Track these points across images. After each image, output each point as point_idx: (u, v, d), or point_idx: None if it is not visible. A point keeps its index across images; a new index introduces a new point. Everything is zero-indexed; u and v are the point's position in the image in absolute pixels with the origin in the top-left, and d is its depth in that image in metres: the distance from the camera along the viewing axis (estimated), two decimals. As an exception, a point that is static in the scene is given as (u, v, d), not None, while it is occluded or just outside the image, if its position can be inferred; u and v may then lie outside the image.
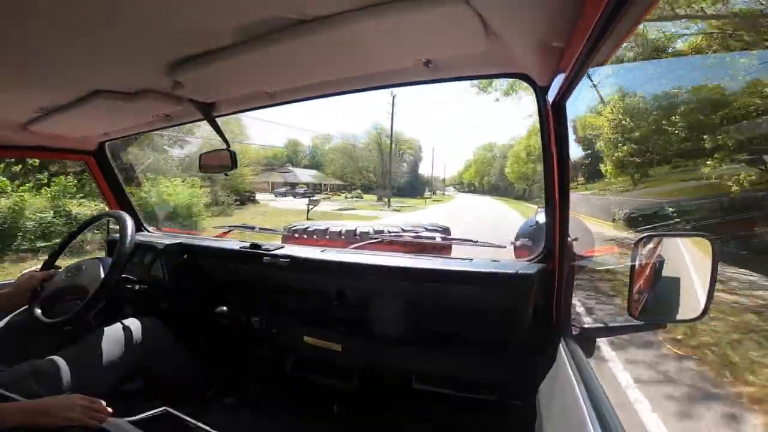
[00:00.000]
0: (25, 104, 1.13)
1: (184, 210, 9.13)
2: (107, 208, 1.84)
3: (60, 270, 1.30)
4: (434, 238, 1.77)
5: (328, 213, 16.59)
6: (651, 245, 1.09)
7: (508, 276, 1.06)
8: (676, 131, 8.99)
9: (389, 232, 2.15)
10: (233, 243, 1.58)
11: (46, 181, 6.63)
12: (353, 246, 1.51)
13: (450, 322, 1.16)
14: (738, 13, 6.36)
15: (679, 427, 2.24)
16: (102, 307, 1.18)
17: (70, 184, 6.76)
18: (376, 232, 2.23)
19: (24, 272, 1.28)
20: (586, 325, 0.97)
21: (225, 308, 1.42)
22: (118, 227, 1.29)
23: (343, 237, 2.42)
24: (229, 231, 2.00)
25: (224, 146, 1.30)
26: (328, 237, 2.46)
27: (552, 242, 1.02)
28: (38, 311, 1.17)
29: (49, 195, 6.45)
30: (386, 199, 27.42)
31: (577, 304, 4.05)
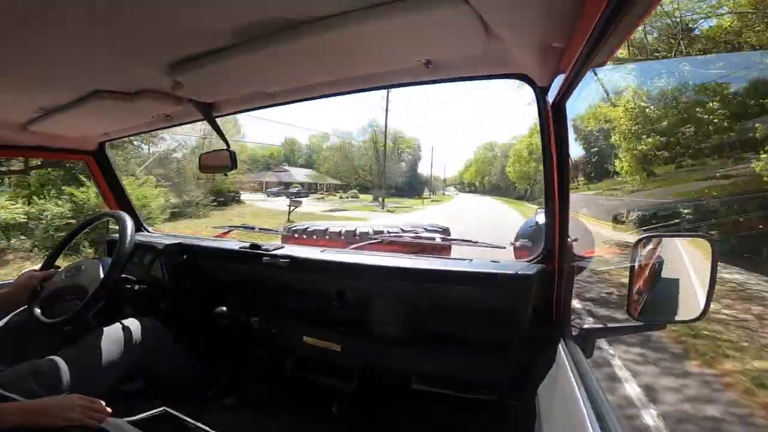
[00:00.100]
0: (25, 104, 1.13)
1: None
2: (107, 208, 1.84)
3: (59, 270, 1.30)
4: (434, 239, 1.77)
5: (314, 214, 15.82)
6: (650, 246, 1.09)
7: (507, 276, 1.06)
8: (715, 119, 7.90)
9: (389, 232, 2.14)
10: (233, 243, 1.58)
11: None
12: (353, 246, 1.51)
13: (449, 323, 1.16)
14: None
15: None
16: (101, 307, 1.18)
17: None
18: (376, 232, 2.23)
19: (24, 272, 1.28)
20: (585, 326, 0.97)
21: (224, 308, 1.42)
22: (117, 227, 1.29)
23: (342, 237, 2.41)
24: (229, 231, 2.00)
25: (225, 146, 1.30)
26: (327, 237, 2.46)
27: (552, 243, 1.02)
28: (38, 311, 1.17)
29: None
30: (382, 199, 26.88)
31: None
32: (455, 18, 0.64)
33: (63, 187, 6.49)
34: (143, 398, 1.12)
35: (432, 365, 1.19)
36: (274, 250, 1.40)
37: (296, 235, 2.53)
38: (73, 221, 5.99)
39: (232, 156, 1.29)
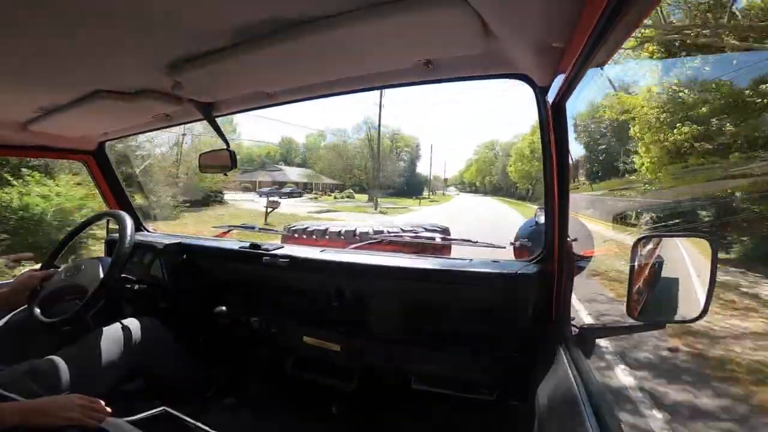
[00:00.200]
0: (25, 104, 1.13)
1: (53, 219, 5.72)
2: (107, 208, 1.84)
3: (59, 269, 1.30)
4: (434, 239, 1.78)
5: (297, 216, 14.16)
6: (650, 246, 1.09)
7: (507, 276, 1.06)
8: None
9: (389, 232, 2.15)
10: (233, 243, 1.58)
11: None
12: (353, 246, 1.51)
13: (449, 323, 1.16)
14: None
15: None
16: (101, 306, 1.18)
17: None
18: (376, 232, 2.23)
19: (23, 271, 1.28)
20: (585, 326, 0.97)
21: (224, 308, 1.42)
22: (117, 227, 1.29)
23: (342, 237, 2.42)
24: (229, 231, 2.01)
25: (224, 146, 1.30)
26: (327, 237, 2.46)
27: (551, 243, 1.02)
28: (37, 311, 1.17)
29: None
30: (375, 200, 25.84)
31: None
32: (455, 18, 0.64)
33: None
34: (143, 398, 1.12)
35: (431, 365, 1.19)
36: (274, 249, 1.40)
37: (296, 235, 2.53)
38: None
39: (232, 156, 1.28)
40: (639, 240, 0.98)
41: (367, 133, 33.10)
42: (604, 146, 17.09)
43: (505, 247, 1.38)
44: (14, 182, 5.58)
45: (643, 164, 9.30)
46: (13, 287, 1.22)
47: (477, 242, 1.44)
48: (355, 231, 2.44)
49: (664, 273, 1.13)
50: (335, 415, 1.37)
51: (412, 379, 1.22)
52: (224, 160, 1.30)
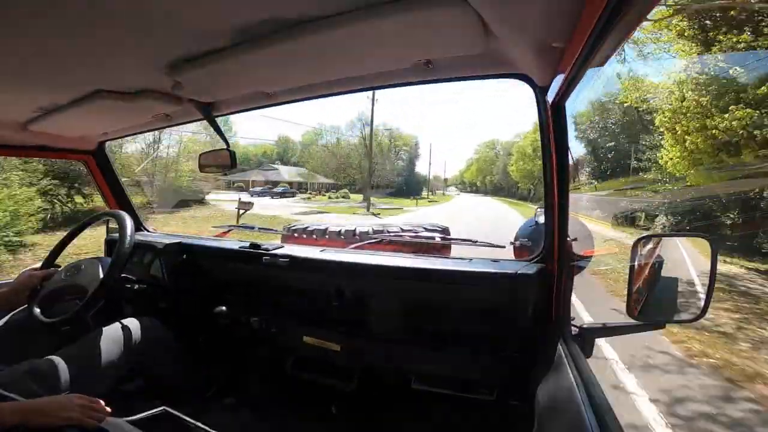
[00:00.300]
0: (25, 104, 1.13)
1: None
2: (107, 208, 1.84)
3: (59, 268, 1.30)
4: (434, 238, 1.78)
5: (279, 218, 12.70)
6: (650, 245, 1.09)
7: (507, 276, 1.06)
8: None
9: (389, 232, 2.15)
10: (232, 243, 1.58)
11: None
12: (352, 246, 1.51)
13: (449, 322, 1.16)
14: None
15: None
16: (101, 306, 1.18)
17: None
18: (376, 232, 2.23)
19: (24, 270, 1.28)
20: (585, 326, 0.97)
21: (224, 308, 1.42)
22: (117, 227, 1.29)
23: (342, 237, 2.42)
24: (229, 231, 2.01)
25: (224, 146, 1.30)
26: (327, 237, 2.46)
27: (551, 242, 1.02)
28: (37, 310, 1.17)
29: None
30: (372, 200, 24.62)
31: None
32: (455, 18, 0.64)
33: None
34: (143, 398, 1.12)
35: (431, 365, 1.19)
36: (273, 249, 1.40)
37: (296, 235, 2.53)
38: None
39: (232, 156, 1.28)
40: (639, 240, 0.98)
41: (361, 131, 32.06)
42: (612, 144, 16.79)
43: (504, 247, 1.38)
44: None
45: (671, 159, 7.93)
46: (12, 287, 1.22)
47: (477, 242, 1.44)
48: (355, 231, 2.44)
49: (665, 273, 1.13)
50: (335, 415, 1.37)
51: (412, 379, 1.22)
52: (224, 160, 1.30)
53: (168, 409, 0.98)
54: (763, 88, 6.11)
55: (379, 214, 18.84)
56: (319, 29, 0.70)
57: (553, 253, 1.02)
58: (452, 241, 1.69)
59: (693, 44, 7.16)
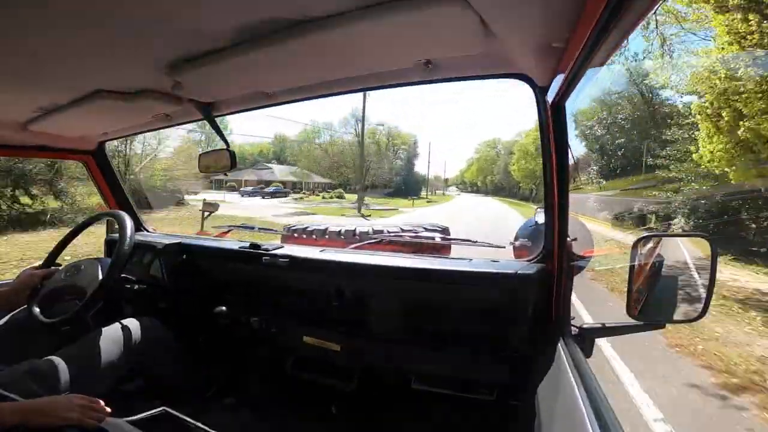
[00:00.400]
0: (25, 104, 1.13)
1: None
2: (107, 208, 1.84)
3: (60, 268, 1.30)
4: (433, 238, 1.78)
5: (254, 220, 10.51)
6: (650, 245, 1.09)
7: (507, 276, 1.06)
8: None
9: (389, 232, 2.15)
10: (232, 243, 1.58)
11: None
12: (352, 246, 1.51)
13: (449, 322, 1.16)
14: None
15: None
16: (101, 306, 1.18)
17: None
18: (376, 232, 2.23)
19: (24, 269, 1.28)
20: (585, 326, 0.97)
21: (224, 308, 1.42)
22: (117, 227, 1.29)
23: (342, 237, 2.42)
24: (229, 231, 2.01)
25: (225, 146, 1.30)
26: (327, 237, 2.46)
27: (551, 242, 1.02)
28: (36, 310, 1.17)
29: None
30: (366, 200, 23.40)
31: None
32: (455, 18, 0.64)
33: None
34: (143, 398, 1.12)
35: (431, 365, 1.19)
36: (273, 249, 1.40)
37: (296, 235, 2.53)
38: None
39: (232, 156, 1.28)
40: (639, 240, 0.98)
41: (354, 128, 30.20)
42: (622, 140, 16.25)
43: (504, 247, 1.38)
44: None
45: (711, 152, 6.65)
46: (13, 286, 1.22)
47: (477, 242, 1.44)
48: (354, 231, 2.44)
49: (665, 273, 1.13)
50: (335, 415, 1.37)
51: (412, 379, 1.22)
52: (224, 160, 1.30)
53: (168, 410, 0.98)
54: None
55: (369, 215, 17.80)
56: (319, 29, 0.70)
57: (553, 253, 1.02)
58: (452, 241, 1.69)
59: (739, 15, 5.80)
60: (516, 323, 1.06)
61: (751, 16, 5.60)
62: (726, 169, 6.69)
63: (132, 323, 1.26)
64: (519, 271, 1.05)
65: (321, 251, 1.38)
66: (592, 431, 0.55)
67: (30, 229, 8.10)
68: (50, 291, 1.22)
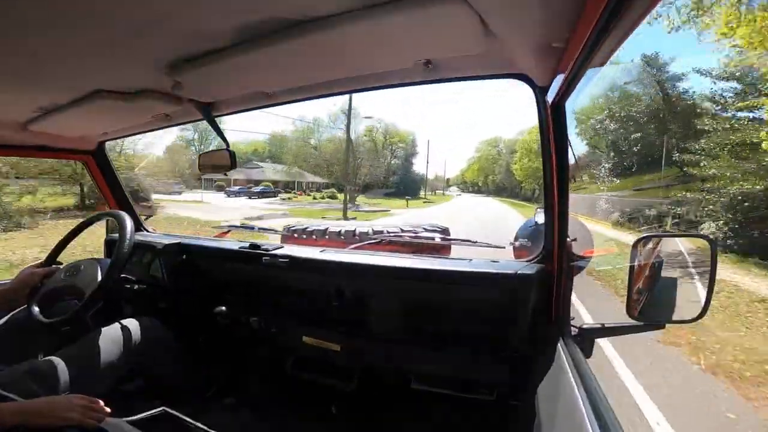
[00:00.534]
0: (24, 104, 1.13)
1: None
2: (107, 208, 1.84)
3: (61, 267, 1.30)
4: (433, 239, 1.78)
5: (212, 223, 9.76)
6: (650, 245, 1.09)
7: (507, 276, 1.06)
8: None
9: (388, 232, 2.15)
10: (232, 243, 1.58)
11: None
12: (352, 246, 1.51)
13: (449, 323, 1.16)
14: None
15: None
16: (101, 306, 1.18)
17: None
18: (376, 232, 2.23)
19: (24, 268, 1.28)
20: (584, 326, 0.97)
21: (224, 308, 1.42)
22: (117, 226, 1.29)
23: (342, 237, 2.42)
24: (228, 231, 2.01)
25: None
26: (327, 237, 2.46)
27: (551, 243, 1.02)
28: (36, 310, 1.16)
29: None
30: (356, 201, 22.45)
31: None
32: (455, 18, 0.64)
33: None
34: (143, 398, 1.12)
35: (431, 365, 1.19)
36: (273, 249, 1.40)
37: (296, 235, 2.53)
38: None
39: (232, 156, 1.29)
40: (639, 240, 0.99)
41: (344, 123, 26.77)
42: (638, 134, 15.05)
43: (504, 247, 1.38)
44: None
45: None
46: (12, 285, 1.21)
47: (476, 242, 1.44)
48: (354, 231, 2.44)
49: (665, 273, 1.13)
50: (335, 415, 1.37)
51: (411, 379, 1.22)
52: (224, 160, 1.30)
53: (167, 410, 0.98)
54: None
55: (355, 218, 16.26)
56: (319, 29, 0.70)
57: (553, 254, 1.02)
58: (452, 241, 1.69)
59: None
60: (516, 323, 1.06)
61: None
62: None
63: (132, 323, 1.26)
64: (519, 272, 1.05)
65: (321, 251, 1.38)
66: (592, 431, 0.55)
67: None
68: (50, 291, 1.22)
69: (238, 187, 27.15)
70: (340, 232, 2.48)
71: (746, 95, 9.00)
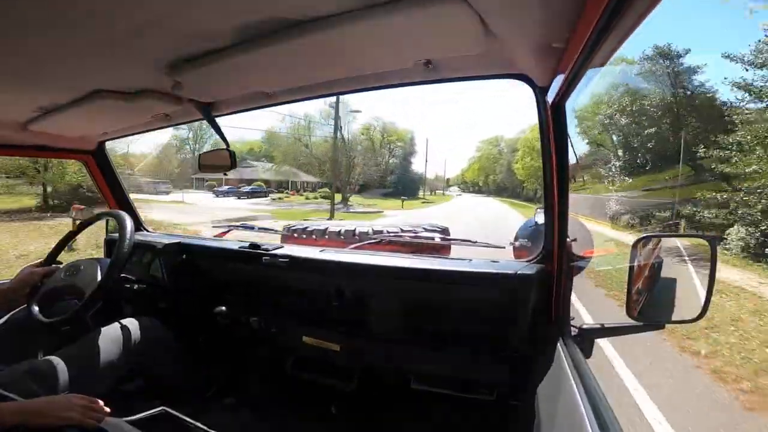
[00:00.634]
0: (24, 104, 1.13)
1: None
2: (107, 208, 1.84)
3: (61, 266, 1.30)
4: (433, 239, 1.78)
5: (179, 227, 9.41)
6: (650, 246, 1.09)
7: (507, 276, 1.06)
8: None
9: (388, 232, 2.15)
10: (232, 243, 1.58)
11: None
12: (352, 246, 1.51)
13: (449, 323, 1.16)
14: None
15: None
16: (101, 306, 1.18)
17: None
18: (376, 232, 2.23)
19: (24, 267, 1.28)
20: (584, 326, 0.97)
21: (224, 308, 1.42)
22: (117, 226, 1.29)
23: (342, 237, 2.42)
24: (228, 231, 2.01)
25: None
26: (327, 237, 2.46)
27: (551, 243, 1.02)
28: (36, 309, 1.16)
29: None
30: (349, 201, 22.06)
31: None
32: (455, 18, 0.64)
33: None
34: (143, 398, 1.12)
35: (431, 365, 1.19)
36: (273, 249, 1.40)
37: (295, 235, 2.53)
38: None
39: (232, 156, 1.29)
40: (638, 240, 0.99)
41: (336, 120, 24.66)
42: (652, 129, 14.03)
43: (504, 248, 1.39)
44: None
45: None
46: (12, 285, 1.21)
47: (476, 242, 1.44)
48: (354, 231, 2.44)
49: (664, 273, 1.13)
50: (335, 415, 1.37)
51: (411, 379, 1.22)
52: (224, 160, 1.30)
53: (167, 409, 0.98)
54: None
55: (344, 219, 14.79)
56: (319, 29, 0.70)
57: (552, 254, 1.02)
58: (452, 241, 1.69)
59: None
60: (516, 323, 1.06)
61: None
62: None
63: (132, 323, 1.26)
64: (519, 272, 1.05)
65: (321, 251, 1.38)
66: (592, 431, 0.55)
67: None
68: (50, 290, 1.22)
69: (227, 187, 26.14)
70: (340, 232, 2.48)
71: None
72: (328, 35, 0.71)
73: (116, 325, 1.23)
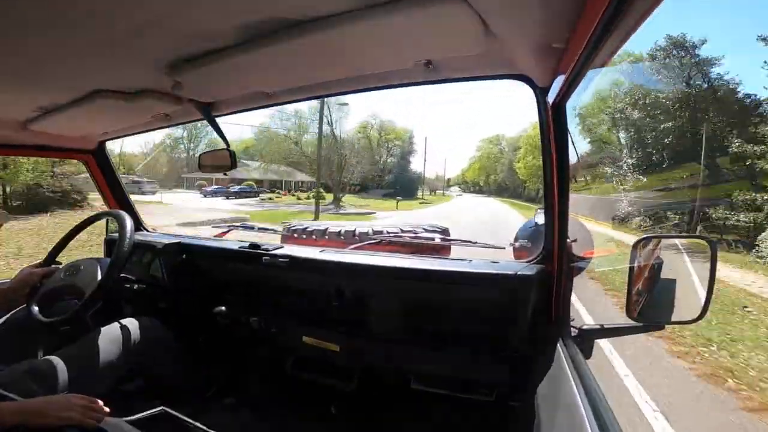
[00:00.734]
0: (25, 103, 1.13)
1: None
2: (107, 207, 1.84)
3: (60, 266, 1.30)
4: (433, 239, 1.78)
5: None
6: (650, 246, 1.09)
7: (507, 277, 1.06)
8: None
9: (388, 232, 2.15)
10: (232, 243, 1.58)
11: None
12: (352, 246, 1.51)
13: (449, 323, 1.16)
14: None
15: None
16: (101, 306, 1.18)
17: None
18: (375, 232, 2.24)
19: (24, 268, 1.28)
20: (584, 327, 0.97)
21: (224, 308, 1.42)
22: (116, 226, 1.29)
23: (342, 237, 2.42)
24: (228, 231, 2.01)
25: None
26: (327, 237, 2.47)
27: (551, 243, 1.02)
28: (35, 309, 1.16)
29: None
30: (342, 202, 21.39)
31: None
32: (455, 18, 0.64)
33: None
34: (142, 398, 1.12)
35: (431, 365, 1.19)
36: (273, 249, 1.40)
37: (295, 235, 2.53)
38: None
39: (232, 156, 1.29)
40: (638, 241, 0.99)
41: (327, 117, 23.45)
42: (669, 124, 13.06)
43: (504, 248, 1.38)
44: None
45: None
46: (12, 285, 1.21)
47: (476, 243, 1.44)
48: (354, 231, 2.44)
49: (664, 274, 1.13)
50: (335, 415, 1.37)
51: (411, 379, 1.22)
52: (224, 160, 1.30)
53: (167, 409, 0.98)
54: None
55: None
56: (319, 29, 0.70)
57: (553, 254, 1.02)
58: (452, 242, 1.69)
59: None
60: (516, 324, 1.06)
61: None
62: None
63: (132, 323, 1.26)
64: (519, 272, 1.05)
65: (321, 251, 1.38)
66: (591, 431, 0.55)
67: None
68: (50, 290, 1.22)
69: (215, 187, 25.42)
70: (340, 232, 2.48)
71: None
72: (328, 35, 0.71)
73: (116, 325, 1.23)
